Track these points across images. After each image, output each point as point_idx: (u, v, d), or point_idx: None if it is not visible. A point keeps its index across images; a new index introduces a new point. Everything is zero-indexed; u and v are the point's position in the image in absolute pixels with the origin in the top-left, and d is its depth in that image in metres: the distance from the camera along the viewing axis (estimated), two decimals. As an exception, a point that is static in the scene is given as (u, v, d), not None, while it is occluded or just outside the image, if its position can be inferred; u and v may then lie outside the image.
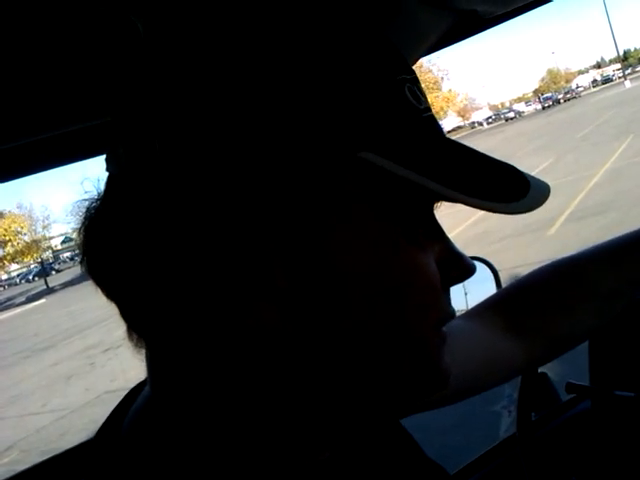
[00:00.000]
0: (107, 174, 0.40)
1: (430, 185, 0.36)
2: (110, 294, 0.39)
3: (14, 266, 47.15)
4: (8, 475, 0.97)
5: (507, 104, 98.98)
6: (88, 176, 0.42)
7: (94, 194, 0.41)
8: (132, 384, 0.46)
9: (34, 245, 41.77)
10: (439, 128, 0.42)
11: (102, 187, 0.40)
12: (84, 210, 0.40)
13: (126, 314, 0.40)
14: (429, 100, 0.43)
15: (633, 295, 0.75)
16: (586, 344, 1.30)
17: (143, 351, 0.42)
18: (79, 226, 0.40)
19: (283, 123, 0.35)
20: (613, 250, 0.73)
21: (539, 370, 1.31)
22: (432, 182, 0.36)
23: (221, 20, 0.38)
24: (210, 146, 0.35)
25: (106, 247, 0.38)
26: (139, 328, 0.40)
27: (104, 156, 0.41)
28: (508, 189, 0.38)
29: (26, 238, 42.00)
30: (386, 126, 0.37)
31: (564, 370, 1.72)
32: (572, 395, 1.29)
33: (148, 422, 0.41)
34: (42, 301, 27.89)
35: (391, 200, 0.38)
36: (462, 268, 0.43)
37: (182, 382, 0.40)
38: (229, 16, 0.38)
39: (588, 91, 66.44)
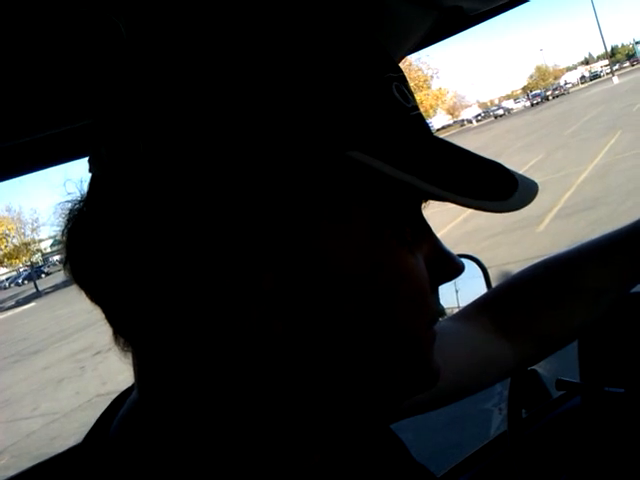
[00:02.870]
0: (90, 175, 0.39)
1: (419, 184, 0.36)
2: (95, 298, 0.39)
3: (3, 270, 46.90)
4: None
5: (496, 101, 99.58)
6: (71, 177, 0.41)
7: (77, 195, 0.40)
8: (123, 387, 0.46)
9: (23, 248, 41.56)
10: (427, 127, 0.42)
11: (85, 188, 0.40)
12: (67, 212, 0.39)
13: (112, 318, 0.39)
14: (419, 98, 0.42)
15: (622, 292, 0.75)
16: (575, 341, 1.31)
17: (130, 355, 0.41)
18: (63, 228, 0.39)
19: (269, 123, 0.34)
20: (602, 247, 0.73)
21: (529, 367, 1.31)
22: (420, 181, 0.36)
23: (206, 20, 0.38)
24: (195, 147, 0.34)
25: (89, 250, 0.37)
26: (125, 332, 0.39)
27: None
28: (496, 187, 0.38)
29: (15, 241, 41.79)
30: (374, 125, 0.37)
31: (554, 367, 1.72)
32: (562, 392, 1.29)
33: (136, 426, 0.40)
34: (32, 304, 27.76)
35: (381, 200, 0.38)
36: (450, 267, 0.43)
37: (169, 385, 0.39)
38: (214, 16, 0.38)
39: (576, 87, 66.94)
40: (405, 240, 0.39)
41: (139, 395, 0.42)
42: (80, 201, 0.39)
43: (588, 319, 0.75)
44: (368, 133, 0.36)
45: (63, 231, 0.39)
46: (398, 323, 0.39)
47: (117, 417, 0.42)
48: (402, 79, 0.41)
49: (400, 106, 0.39)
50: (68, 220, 0.39)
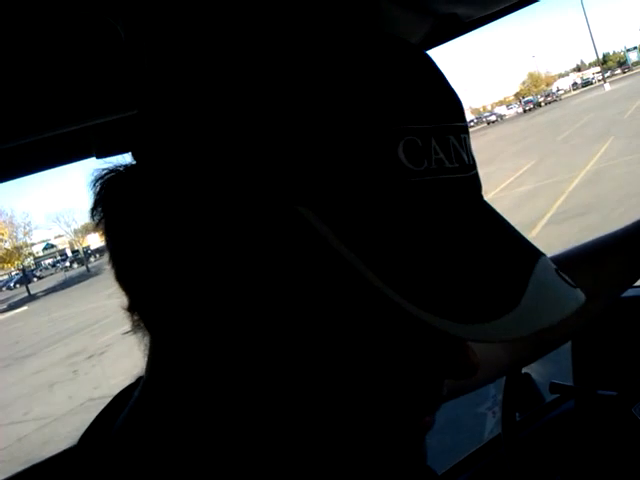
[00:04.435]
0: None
1: (372, 280, 0.29)
2: (122, 281, 0.37)
3: (-5, 273, 46.66)
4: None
5: (489, 107, 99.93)
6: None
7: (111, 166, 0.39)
8: (116, 391, 0.45)
9: (15, 252, 41.36)
10: (442, 193, 0.32)
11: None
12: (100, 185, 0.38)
13: (135, 299, 0.37)
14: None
15: (613, 296, 0.75)
16: (569, 344, 1.31)
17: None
18: (99, 194, 0.37)
19: (227, 153, 0.32)
20: (594, 251, 0.73)
21: (523, 371, 1.32)
22: (365, 267, 0.29)
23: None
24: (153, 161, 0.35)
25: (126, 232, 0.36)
26: (147, 317, 0.37)
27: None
28: (478, 303, 0.29)
29: (7, 245, 41.57)
30: (339, 183, 0.30)
31: (547, 370, 1.73)
32: (556, 395, 1.30)
33: (141, 422, 0.39)
34: (24, 308, 27.57)
35: (329, 279, 0.32)
36: (461, 367, 0.35)
37: (183, 378, 0.38)
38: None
39: (568, 94, 67.26)
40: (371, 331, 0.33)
41: (149, 388, 0.40)
42: (114, 172, 0.38)
43: (580, 322, 0.75)
44: (326, 191, 0.30)
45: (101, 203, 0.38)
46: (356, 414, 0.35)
47: (124, 411, 0.41)
48: (431, 132, 0.32)
49: (396, 167, 0.31)
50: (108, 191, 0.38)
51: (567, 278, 0.33)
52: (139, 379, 0.43)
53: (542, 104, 58.10)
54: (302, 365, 0.33)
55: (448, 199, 0.32)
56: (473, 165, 0.35)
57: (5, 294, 42.05)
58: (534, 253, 0.33)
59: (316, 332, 0.32)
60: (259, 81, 0.32)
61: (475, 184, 0.35)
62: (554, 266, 0.33)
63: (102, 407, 0.44)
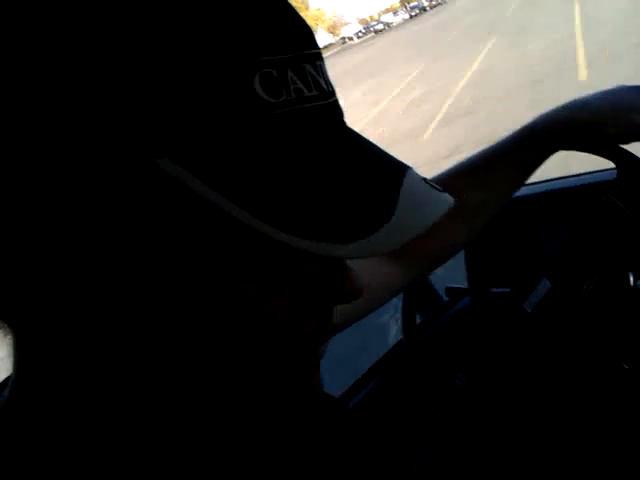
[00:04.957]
0: None
1: (224, 205, 0.29)
2: None
3: None
4: None
5: (376, 17, 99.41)
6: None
7: None
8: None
9: None
10: (304, 122, 0.32)
11: None
12: None
13: None
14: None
15: (505, 199, 0.78)
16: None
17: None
18: None
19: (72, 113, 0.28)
20: (477, 164, 0.76)
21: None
22: (227, 201, 0.29)
23: None
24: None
25: None
26: (4, 315, 0.34)
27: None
28: (353, 221, 0.30)
29: None
30: (196, 126, 0.29)
31: (445, 273, 1.79)
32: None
33: (14, 421, 0.37)
34: None
35: (199, 220, 0.31)
36: (346, 290, 0.36)
37: (50, 371, 0.36)
38: None
39: (452, -4, 67.93)
40: (239, 267, 0.32)
41: (17, 386, 0.38)
42: None
43: (469, 235, 0.78)
44: (184, 137, 0.29)
45: None
46: (241, 354, 0.34)
47: None
48: (287, 62, 0.32)
49: (254, 102, 0.30)
50: None
51: (434, 184, 0.35)
52: (8, 378, 0.40)
53: (427, 8, 58.30)
54: (174, 316, 0.33)
55: (310, 127, 0.32)
56: (332, 92, 0.35)
57: None
58: (401, 167, 0.35)
59: (189, 278, 0.32)
60: (85, 31, 0.28)
61: (336, 110, 0.35)
62: (421, 176, 0.35)
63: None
